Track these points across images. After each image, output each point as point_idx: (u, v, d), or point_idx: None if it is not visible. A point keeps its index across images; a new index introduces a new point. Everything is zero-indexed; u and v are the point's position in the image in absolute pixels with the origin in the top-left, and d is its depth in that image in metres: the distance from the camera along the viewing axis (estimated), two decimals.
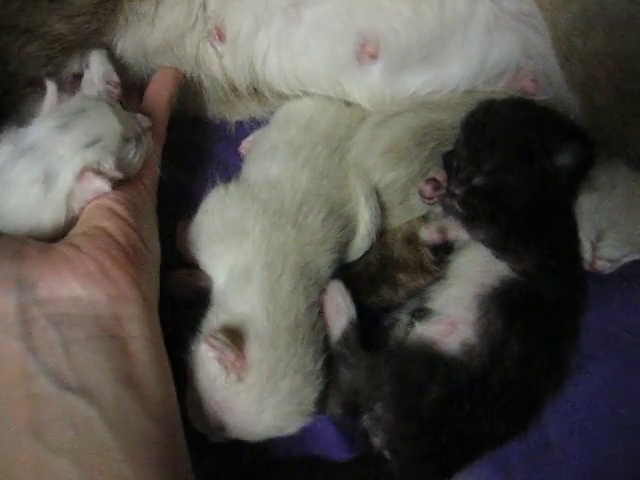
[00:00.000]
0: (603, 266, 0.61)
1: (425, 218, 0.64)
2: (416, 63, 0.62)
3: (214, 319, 0.52)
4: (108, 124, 0.53)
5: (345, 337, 0.55)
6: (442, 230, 0.62)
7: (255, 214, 0.54)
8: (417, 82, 0.63)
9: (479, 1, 0.61)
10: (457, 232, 0.61)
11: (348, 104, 0.65)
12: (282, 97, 0.67)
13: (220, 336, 0.48)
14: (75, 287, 0.46)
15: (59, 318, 0.45)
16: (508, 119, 0.59)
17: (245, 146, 0.69)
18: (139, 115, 0.57)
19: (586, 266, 0.61)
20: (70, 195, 0.51)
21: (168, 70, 0.66)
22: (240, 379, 0.48)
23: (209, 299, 0.57)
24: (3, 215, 0.51)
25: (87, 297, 0.46)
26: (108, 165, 0.52)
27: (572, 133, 0.59)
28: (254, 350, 0.49)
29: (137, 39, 0.64)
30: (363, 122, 0.63)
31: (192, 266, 0.61)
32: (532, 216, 0.59)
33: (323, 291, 0.55)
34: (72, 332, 0.45)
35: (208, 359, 0.49)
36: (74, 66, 0.63)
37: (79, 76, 0.64)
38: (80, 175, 0.51)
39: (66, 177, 0.51)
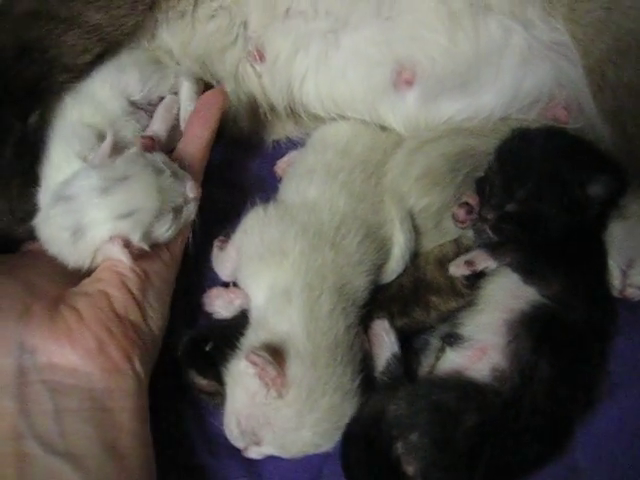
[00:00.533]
0: (633, 293, 0.62)
1: (457, 241, 0.66)
2: (451, 90, 0.64)
3: (254, 336, 0.54)
4: (147, 198, 0.54)
5: (388, 368, 0.57)
6: (470, 263, 0.63)
7: (295, 235, 0.56)
8: (452, 109, 0.65)
9: (513, 31, 0.63)
10: (485, 262, 0.62)
11: (383, 129, 0.67)
12: (318, 119, 0.69)
13: (262, 353, 0.50)
14: (73, 359, 0.49)
15: (54, 386, 0.49)
16: (541, 149, 0.60)
17: (281, 166, 0.71)
18: (190, 183, 0.58)
19: (616, 293, 0.61)
20: (95, 251, 0.54)
21: (214, 95, 0.65)
22: (280, 396, 0.50)
23: (245, 317, 0.59)
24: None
25: (83, 369, 0.49)
26: (136, 238, 0.54)
27: (604, 164, 0.61)
28: (295, 368, 0.51)
29: (179, 42, 0.66)
30: (399, 147, 0.65)
31: (228, 284, 0.63)
32: (561, 243, 0.60)
33: (365, 318, 0.57)
34: (65, 401, 0.48)
35: (248, 375, 0.51)
36: (164, 87, 0.66)
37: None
38: (107, 240, 0.54)
39: (94, 237, 0.54)
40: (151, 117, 0.65)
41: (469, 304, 0.61)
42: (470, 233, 0.65)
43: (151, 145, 0.61)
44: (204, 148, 0.62)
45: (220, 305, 0.61)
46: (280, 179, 0.69)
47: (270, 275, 0.55)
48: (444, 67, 0.62)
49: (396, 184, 0.62)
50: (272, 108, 0.70)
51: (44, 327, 0.50)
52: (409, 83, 0.63)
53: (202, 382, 0.58)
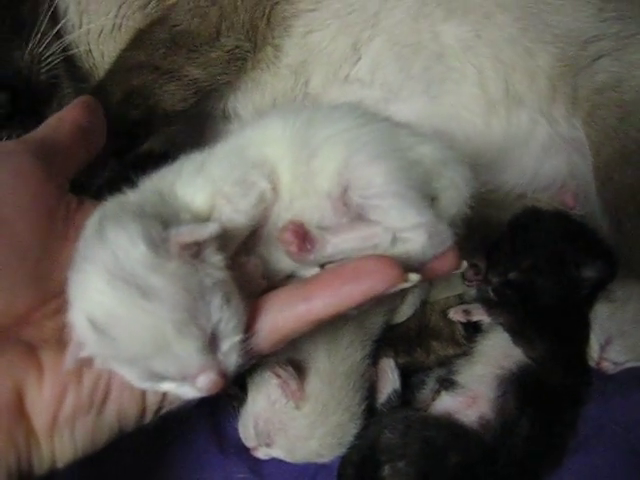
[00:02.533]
0: (607, 367, 0.70)
1: (461, 297, 0.74)
2: (479, 166, 0.73)
3: (279, 350, 0.61)
4: (136, 339, 0.36)
5: (388, 401, 0.65)
6: (467, 313, 0.72)
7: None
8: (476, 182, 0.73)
9: (539, 124, 0.72)
10: (480, 316, 0.71)
11: None
12: None
13: (288, 368, 0.57)
14: None
15: None
16: (549, 228, 0.69)
17: None
18: (209, 377, 0.37)
19: (592, 364, 0.70)
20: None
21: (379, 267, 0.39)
22: (298, 407, 0.57)
23: None
24: None
25: None
26: (90, 351, 0.37)
27: (600, 251, 0.69)
28: (313, 385, 0.58)
29: (249, 103, 0.75)
30: None
31: None
32: (551, 313, 0.69)
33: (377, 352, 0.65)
34: None
35: (271, 385, 0.58)
36: None
37: None
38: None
39: (74, 297, 0.38)
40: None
41: (465, 354, 0.69)
42: (473, 291, 0.74)
43: (295, 251, 0.41)
44: (301, 323, 0.41)
45: None
46: None
47: None
48: (476, 145, 0.71)
49: None
50: None
51: None
52: None
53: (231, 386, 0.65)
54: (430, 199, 0.43)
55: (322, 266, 0.43)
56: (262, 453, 0.61)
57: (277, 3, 0.74)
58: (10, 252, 0.41)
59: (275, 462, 0.63)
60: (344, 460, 0.62)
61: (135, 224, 0.37)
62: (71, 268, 0.38)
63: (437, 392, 0.66)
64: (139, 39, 0.74)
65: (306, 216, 0.42)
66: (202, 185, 0.42)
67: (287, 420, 0.58)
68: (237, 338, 0.38)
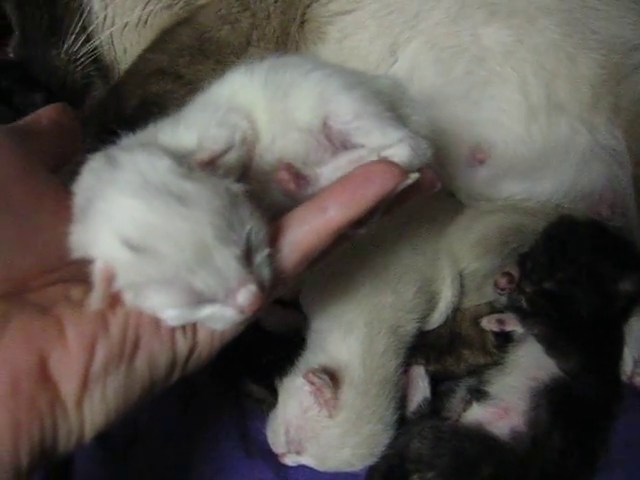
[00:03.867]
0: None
1: (491, 305, 0.73)
2: (517, 174, 0.72)
3: (312, 357, 0.61)
4: (180, 249, 0.34)
5: (419, 410, 0.64)
6: (500, 322, 0.71)
7: (364, 275, 0.63)
8: (514, 189, 0.72)
9: (580, 133, 0.71)
10: (513, 326, 0.70)
11: (449, 194, 0.74)
12: None
13: (322, 375, 0.56)
14: None
15: None
16: (586, 240, 0.68)
17: None
18: (251, 290, 0.35)
19: (624, 378, 0.69)
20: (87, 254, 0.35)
21: (383, 170, 0.40)
22: (331, 416, 0.56)
23: (299, 336, 0.66)
24: None
25: None
26: (121, 281, 0.35)
27: (637, 265, 0.68)
28: (348, 394, 0.57)
29: None
30: (459, 213, 0.72)
31: (283, 302, 0.70)
32: (586, 325, 0.68)
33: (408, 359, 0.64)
34: None
35: (304, 392, 0.57)
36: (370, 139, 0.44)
37: None
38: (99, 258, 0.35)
39: (92, 236, 0.35)
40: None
41: (496, 364, 0.68)
42: (503, 300, 0.73)
43: (293, 187, 0.42)
44: (325, 234, 0.40)
45: (275, 322, 0.68)
46: None
47: (337, 307, 0.62)
48: (515, 152, 0.70)
49: (454, 246, 0.70)
50: None
51: None
52: (481, 162, 0.71)
53: (254, 388, 0.65)
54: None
55: None
56: (291, 460, 0.60)
57: (309, 6, 0.72)
58: (7, 216, 0.38)
59: (301, 468, 0.62)
60: (372, 469, 0.61)
61: (150, 147, 0.37)
62: (80, 210, 0.36)
63: (468, 402, 0.65)
64: (163, 41, 0.72)
65: (290, 154, 0.43)
66: (184, 133, 0.41)
67: (319, 429, 0.57)
68: (267, 250, 0.37)
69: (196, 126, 0.42)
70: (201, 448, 0.66)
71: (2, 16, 0.70)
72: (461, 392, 0.68)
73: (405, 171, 0.40)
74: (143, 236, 0.34)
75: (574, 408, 0.64)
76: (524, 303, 0.69)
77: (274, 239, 0.38)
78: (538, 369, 0.66)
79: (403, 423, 0.63)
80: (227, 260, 0.34)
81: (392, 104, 0.46)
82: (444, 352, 0.69)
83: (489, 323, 0.69)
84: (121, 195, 0.34)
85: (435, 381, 0.68)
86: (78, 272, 0.37)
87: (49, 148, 0.45)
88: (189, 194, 0.34)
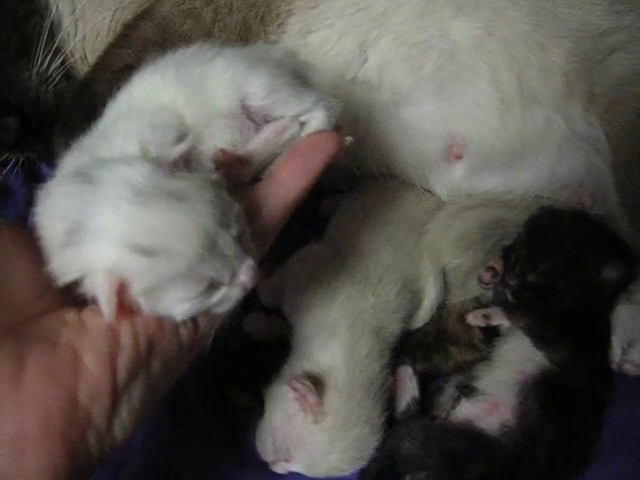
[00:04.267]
0: (629, 369, 0.68)
1: (477, 300, 0.73)
2: (494, 167, 0.71)
3: (296, 364, 0.60)
4: (187, 242, 0.36)
5: (408, 410, 0.63)
6: (486, 316, 0.70)
7: (344, 279, 0.63)
8: (492, 183, 0.72)
9: (555, 122, 0.70)
10: (499, 320, 0.70)
11: (427, 191, 0.74)
12: (368, 176, 0.76)
13: (305, 382, 0.56)
14: None
15: None
16: (567, 230, 0.68)
17: (325, 205, 0.77)
18: (249, 264, 0.38)
19: (614, 367, 0.68)
20: (83, 271, 0.36)
21: (326, 138, 0.46)
22: (317, 422, 0.56)
23: (282, 343, 0.66)
24: None
25: None
26: (137, 287, 0.36)
27: (620, 251, 0.68)
28: (332, 398, 0.57)
29: None
30: (439, 210, 0.72)
31: (266, 310, 0.69)
32: (572, 315, 0.67)
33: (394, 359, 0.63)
34: None
35: (289, 399, 0.57)
36: (292, 107, 0.47)
37: None
38: (104, 272, 0.35)
39: (91, 255, 0.35)
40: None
41: (484, 359, 0.68)
42: (489, 294, 0.72)
43: (229, 162, 0.45)
44: (288, 204, 0.44)
45: (259, 329, 0.68)
46: (324, 218, 0.75)
47: (318, 312, 0.62)
48: (492, 146, 0.69)
49: (435, 243, 0.69)
50: None
51: None
52: (458, 157, 0.70)
53: (242, 397, 0.64)
54: None
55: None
56: (280, 468, 0.59)
57: (270, 6, 0.72)
58: None
59: (293, 476, 0.61)
60: (363, 472, 0.61)
61: (121, 160, 0.38)
62: (69, 234, 0.36)
63: (457, 399, 0.65)
64: (127, 36, 0.71)
65: (220, 140, 0.45)
66: (125, 143, 0.41)
67: (306, 435, 0.56)
68: (247, 227, 0.40)
69: (133, 134, 0.42)
70: (193, 459, 0.66)
71: None
72: (450, 389, 0.67)
73: (339, 136, 0.46)
74: (150, 239, 0.35)
75: (564, 399, 0.64)
76: (509, 296, 0.69)
77: (253, 205, 0.43)
78: (526, 362, 0.65)
79: (392, 424, 0.62)
80: (228, 243, 0.37)
81: (294, 71, 0.48)
82: (431, 350, 0.68)
83: (475, 318, 0.69)
84: (117, 208, 0.35)
85: (423, 380, 0.67)
86: (57, 299, 0.38)
87: None
88: (182, 190, 0.37)
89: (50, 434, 0.33)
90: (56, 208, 0.37)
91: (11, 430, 0.33)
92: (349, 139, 0.48)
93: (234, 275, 0.38)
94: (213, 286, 0.38)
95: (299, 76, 0.48)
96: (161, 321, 0.38)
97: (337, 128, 0.48)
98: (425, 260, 0.68)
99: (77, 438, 0.34)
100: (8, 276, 0.38)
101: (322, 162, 0.45)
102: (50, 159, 0.77)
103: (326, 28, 0.72)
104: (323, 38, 0.71)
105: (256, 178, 0.47)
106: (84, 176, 0.37)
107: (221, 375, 0.66)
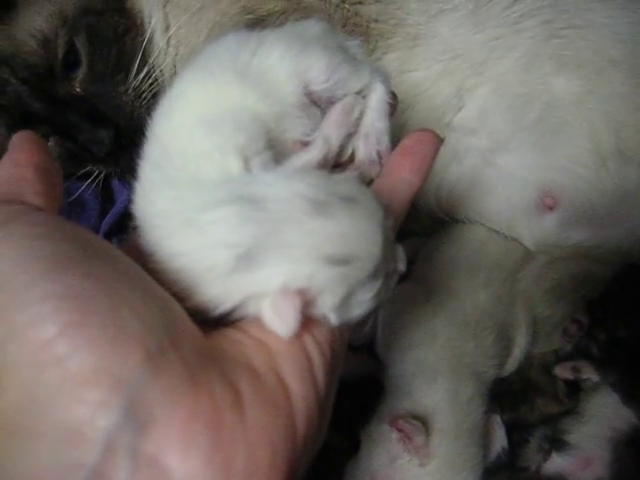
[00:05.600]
0: None
1: (557, 352, 0.72)
2: (586, 221, 0.72)
3: (396, 403, 0.59)
4: (373, 243, 0.35)
5: (498, 459, 0.62)
6: (576, 369, 0.69)
7: (445, 320, 0.62)
8: (582, 236, 0.72)
9: None
10: (589, 374, 0.69)
11: (512, 239, 0.74)
12: (455, 220, 0.76)
13: (414, 421, 0.55)
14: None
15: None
16: None
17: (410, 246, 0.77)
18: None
19: None
20: (250, 297, 0.35)
21: (431, 136, 0.47)
22: (422, 465, 0.55)
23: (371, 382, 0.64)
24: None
25: None
26: (333, 302, 0.34)
27: None
28: (438, 441, 0.56)
29: None
30: (530, 258, 0.72)
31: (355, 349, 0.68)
32: None
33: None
34: None
35: (392, 439, 0.56)
36: (353, 85, 0.47)
37: None
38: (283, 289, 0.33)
39: (268, 277, 0.33)
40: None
41: (570, 412, 0.67)
42: (568, 348, 0.72)
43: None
44: (409, 200, 0.44)
45: (348, 369, 0.67)
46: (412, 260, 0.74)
47: (419, 352, 0.61)
48: (585, 200, 0.70)
49: (528, 292, 0.69)
50: (416, 203, 0.76)
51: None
52: (551, 208, 0.71)
53: (332, 436, 0.62)
54: None
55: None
56: None
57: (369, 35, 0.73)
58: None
59: None
60: None
61: (282, 172, 0.38)
62: (238, 264, 0.34)
63: (547, 452, 0.64)
64: None
65: (292, 133, 0.44)
66: (226, 159, 0.39)
67: (410, 478, 0.55)
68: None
69: (227, 147, 0.40)
70: None
71: (71, 50, 0.70)
72: (535, 441, 0.66)
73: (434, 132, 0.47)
74: (341, 247, 0.34)
75: None
76: (595, 351, 0.68)
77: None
78: (617, 418, 0.64)
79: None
80: (392, 238, 0.38)
81: (340, 47, 0.47)
82: (518, 400, 0.67)
83: (563, 371, 0.68)
84: (300, 223, 0.34)
85: (509, 430, 0.66)
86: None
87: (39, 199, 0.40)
88: (352, 193, 0.36)
89: (278, 466, 0.31)
90: (211, 235, 0.35)
91: (243, 462, 0.30)
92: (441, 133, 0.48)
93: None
94: (388, 280, 0.37)
95: (345, 51, 0.47)
96: (332, 327, 0.36)
97: (393, 96, 0.48)
98: (518, 308, 0.68)
99: (296, 466, 0.32)
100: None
101: (432, 157, 0.46)
102: (127, 176, 0.77)
103: (423, 70, 0.73)
104: (420, 79, 0.72)
105: (336, 164, 0.46)
106: (243, 199, 0.35)
107: None
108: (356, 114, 0.46)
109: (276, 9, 0.72)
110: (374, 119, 0.46)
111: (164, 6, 0.73)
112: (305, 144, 0.43)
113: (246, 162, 0.39)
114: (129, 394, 0.28)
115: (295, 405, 0.32)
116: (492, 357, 0.63)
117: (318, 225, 0.34)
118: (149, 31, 0.75)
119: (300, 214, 0.34)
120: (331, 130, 0.44)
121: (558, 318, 0.70)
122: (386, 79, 0.47)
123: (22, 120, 0.70)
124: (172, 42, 0.76)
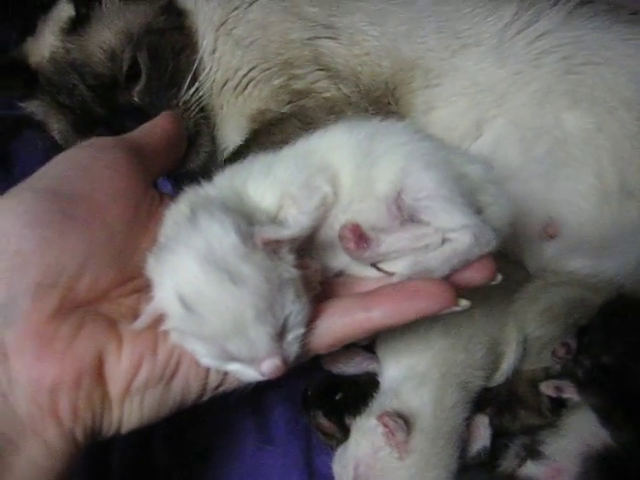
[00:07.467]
0: None
1: (546, 370, 0.78)
2: (585, 251, 0.77)
3: (386, 401, 0.66)
4: (221, 323, 0.41)
5: (477, 457, 0.69)
6: (558, 388, 0.75)
7: (439, 331, 0.68)
8: (579, 265, 0.77)
9: None
10: (570, 394, 0.74)
11: (515, 262, 0.80)
12: None
13: (398, 419, 0.62)
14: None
15: None
16: None
17: None
18: (272, 362, 0.42)
19: None
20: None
21: None
22: (401, 458, 0.61)
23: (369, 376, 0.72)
24: None
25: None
26: (171, 325, 0.44)
27: None
28: (418, 439, 0.62)
29: None
30: (528, 282, 0.78)
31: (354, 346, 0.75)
32: None
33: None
34: None
35: (377, 432, 0.63)
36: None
37: None
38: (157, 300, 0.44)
39: (158, 282, 0.44)
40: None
41: (550, 425, 0.73)
42: (558, 367, 0.77)
43: (352, 247, 0.46)
44: (357, 333, 0.47)
45: (349, 366, 0.74)
46: None
47: (413, 358, 0.67)
48: (586, 232, 0.75)
49: (521, 312, 0.75)
50: None
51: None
52: (552, 236, 0.76)
53: (325, 423, 0.70)
54: (475, 210, 0.48)
55: (374, 265, 0.49)
56: None
57: (395, 88, 0.79)
58: (101, 234, 0.47)
59: None
60: None
61: (226, 216, 0.42)
62: (158, 248, 0.44)
63: (523, 459, 0.70)
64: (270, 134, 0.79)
65: (362, 218, 0.47)
66: (271, 186, 0.47)
67: (388, 469, 0.62)
68: (301, 331, 0.43)
69: (281, 183, 0.47)
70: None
71: (134, 65, 0.78)
72: (514, 448, 0.72)
73: (455, 298, 0.44)
74: (195, 300, 0.40)
75: (624, 478, 0.68)
76: (579, 374, 0.74)
77: (313, 319, 0.45)
78: (592, 436, 0.70)
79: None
80: (260, 336, 0.41)
81: (473, 190, 0.48)
82: (502, 409, 0.73)
83: (547, 388, 0.73)
84: (189, 259, 0.41)
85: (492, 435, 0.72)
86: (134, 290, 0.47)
87: (158, 160, 0.55)
88: (242, 275, 0.40)
89: (80, 387, 0.42)
90: (165, 226, 0.46)
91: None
92: (464, 304, 0.46)
93: (255, 361, 0.41)
94: (235, 358, 0.42)
95: (476, 196, 0.48)
96: (197, 360, 0.45)
97: (481, 258, 0.47)
98: (510, 327, 0.73)
99: (97, 402, 0.43)
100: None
101: (417, 313, 0.45)
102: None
103: (448, 105, 0.79)
104: (446, 115, 0.78)
105: (374, 264, 0.48)
106: (194, 213, 0.43)
107: (309, 398, 0.72)
108: (422, 244, 0.46)
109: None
110: (438, 261, 0.46)
111: (217, 29, 0.80)
112: (353, 229, 0.46)
113: (280, 206, 0.46)
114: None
115: (110, 363, 0.44)
116: (480, 369, 0.69)
117: (193, 270, 0.41)
118: (201, 50, 0.82)
119: (194, 254, 0.41)
120: (391, 239, 0.47)
121: (548, 339, 0.75)
122: (481, 239, 0.46)
123: (85, 121, 0.79)
124: (214, 66, 0.83)
